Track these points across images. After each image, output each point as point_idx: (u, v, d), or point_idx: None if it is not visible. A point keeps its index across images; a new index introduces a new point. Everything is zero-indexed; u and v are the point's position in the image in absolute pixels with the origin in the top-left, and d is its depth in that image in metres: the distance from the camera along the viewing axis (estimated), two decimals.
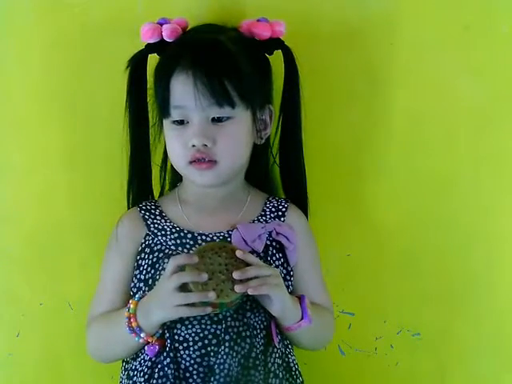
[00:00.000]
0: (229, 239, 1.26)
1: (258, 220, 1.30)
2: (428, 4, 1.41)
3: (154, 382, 1.23)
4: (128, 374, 1.28)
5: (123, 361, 1.31)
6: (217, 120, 1.23)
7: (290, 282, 1.29)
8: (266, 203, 1.33)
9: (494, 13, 1.40)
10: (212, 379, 1.22)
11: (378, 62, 1.42)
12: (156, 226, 1.29)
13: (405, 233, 1.48)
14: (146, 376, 1.24)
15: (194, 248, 1.26)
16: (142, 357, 1.26)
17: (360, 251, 1.48)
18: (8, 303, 1.49)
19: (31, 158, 1.45)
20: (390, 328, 1.50)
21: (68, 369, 1.51)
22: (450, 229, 1.48)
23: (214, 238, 1.26)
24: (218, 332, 1.22)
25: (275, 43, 1.31)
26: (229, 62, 1.23)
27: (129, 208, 1.35)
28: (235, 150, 1.26)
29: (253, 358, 1.24)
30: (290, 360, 1.30)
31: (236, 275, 1.16)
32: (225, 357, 1.22)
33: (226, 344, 1.22)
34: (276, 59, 1.32)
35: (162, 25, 1.28)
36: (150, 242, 1.28)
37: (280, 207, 1.33)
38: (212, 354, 1.22)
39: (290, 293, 1.27)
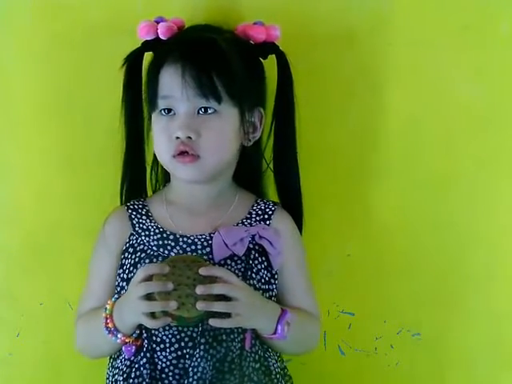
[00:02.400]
0: (210, 242, 1.25)
1: (243, 223, 1.29)
2: (426, 4, 1.41)
3: (131, 381, 1.24)
4: (112, 372, 1.30)
5: (110, 357, 1.32)
6: (203, 112, 1.23)
7: (274, 286, 1.28)
8: (253, 205, 1.32)
9: (492, 13, 1.40)
10: (186, 382, 1.22)
11: (376, 63, 1.42)
12: (141, 225, 1.29)
13: (405, 233, 1.48)
14: (125, 375, 1.26)
15: (174, 249, 1.25)
16: (122, 356, 1.27)
17: (360, 251, 1.48)
18: (8, 303, 1.49)
19: (30, 158, 1.46)
20: (390, 328, 1.50)
21: (68, 369, 1.51)
22: (449, 229, 1.48)
23: (196, 240, 1.26)
24: (195, 335, 1.22)
25: (269, 47, 1.31)
26: (219, 58, 1.23)
27: (122, 204, 1.35)
28: (219, 146, 1.25)
29: (228, 362, 1.23)
30: (270, 364, 1.29)
31: (199, 290, 1.14)
32: (199, 360, 1.22)
33: (201, 347, 1.22)
34: (273, 63, 1.32)
35: (158, 23, 1.29)
36: (134, 241, 1.28)
37: (267, 210, 1.31)
38: (187, 356, 1.22)
39: (274, 296, 1.27)
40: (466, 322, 1.50)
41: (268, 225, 1.30)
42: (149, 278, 1.17)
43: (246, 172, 1.34)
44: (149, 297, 1.15)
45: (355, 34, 1.41)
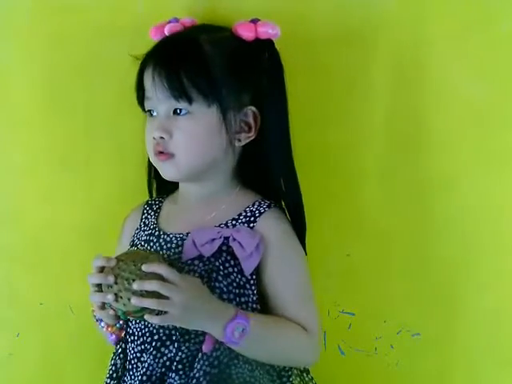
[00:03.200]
0: (185, 241, 1.24)
1: (226, 224, 1.25)
2: (428, 3, 1.41)
3: (109, 367, 1.30)
4: None
5: None
6: (178, 113, 1.23)
7: (250, 291, 1.23)
8: (248, 207, 1.28)
9: (494, 12, 1.40)
10: (134, 376, 1.25)
11: (377, 63, 1.42)
12: (145, 221, 1.32)
13: (405, 232, 1.48)
14: (111, 361, 1.31)
15: (154, 246, 1.27)
16: None
17: (360, 251, 1.48)
18: (8, 303, 1.49)
19: (33, 158, 1.46)
20: (389, 328, 1.50)
21: (68, 369, 1.51)
22: (450, 229, 1.47)
23: (173, 238, 1.26)
24: (155, 331, 1.23)
25: (263, 45, 1.28)
26: (192, 58, 1.22)
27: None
28: (191, 146, 1.24)
29: (177, 362, 1.22)
30: (233, 372, 1.22)
31: (135, 285, 1.12)
32: (147, 356, 1.23)
33: (153, 344, 1.23)
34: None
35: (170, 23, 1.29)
36: (135, 236, 1.32)
37: (256, 212, 1.26)
38: (146, 350, 1.24)
39: (252, 301, 1.23)
40: (466, 322, 1.50)
41: (252, 227, 1.25)
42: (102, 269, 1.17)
43: (250, 172, 1.31)
44: (100, 288, 1.17)
45: (357, 33, 1.40)
